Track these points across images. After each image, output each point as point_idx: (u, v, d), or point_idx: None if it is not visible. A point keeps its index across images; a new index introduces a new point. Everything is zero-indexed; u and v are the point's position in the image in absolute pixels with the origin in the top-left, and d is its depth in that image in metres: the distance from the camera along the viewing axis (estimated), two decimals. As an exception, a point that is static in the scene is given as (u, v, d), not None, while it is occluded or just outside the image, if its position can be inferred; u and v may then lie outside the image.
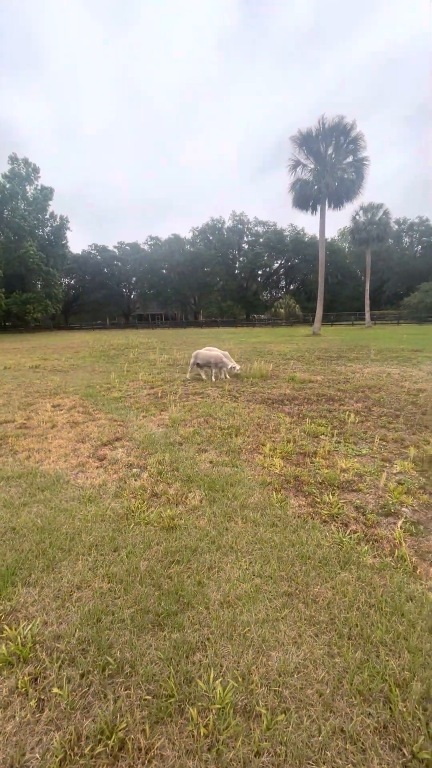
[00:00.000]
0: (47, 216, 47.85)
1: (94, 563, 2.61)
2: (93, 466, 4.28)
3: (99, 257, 64.22)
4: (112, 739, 1.54)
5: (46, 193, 46.62)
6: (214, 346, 10.75)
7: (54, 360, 14.71)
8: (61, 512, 3.27)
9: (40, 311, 46.04)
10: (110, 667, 1.84)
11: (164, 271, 64.89)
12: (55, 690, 1.73)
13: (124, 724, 1.60)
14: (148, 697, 1.71)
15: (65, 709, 1.67)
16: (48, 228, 48.35)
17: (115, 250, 66.29)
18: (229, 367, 9.34)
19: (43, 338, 32.36)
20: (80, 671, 1.83)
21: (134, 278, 66.90)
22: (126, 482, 3.84)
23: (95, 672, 1.83)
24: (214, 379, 9.39)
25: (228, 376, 9.52)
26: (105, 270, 64.50)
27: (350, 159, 27.98)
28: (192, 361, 9.65)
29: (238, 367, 9.56)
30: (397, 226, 63.86)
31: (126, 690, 1.75)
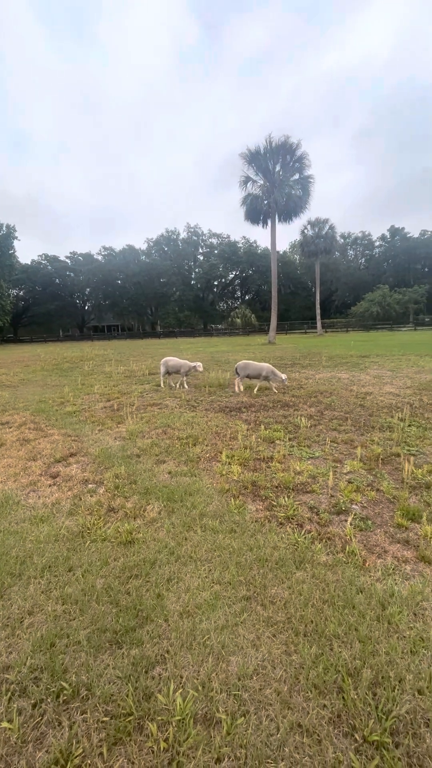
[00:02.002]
0: (-8, 224, 45.60)
1: (48, 586, 2.49)
2: (45, 485, 4.10)
3: (50, 267, 62.07)
4: (68, 768, 1.48)
5: (-10, 201, 44.44)
6: (174, 356, 10.70)
7: (2, 375, 13.92)
8: (10, 535, 3.09)
9: (-14, 324, 43.51)
10: (65, 692, 1.77)
11: (119, 281, 63.99)
12: (5, 724, 1.63)
13: (80, 750, 1.54)
14: (105, 718, 1.66)
15: (16, 743, 1.58)
16: (-7, 237, 46.04)
17: (67, 261, 64.48)
18: (282, 377, 8.76)
19: (-11, 352, 30.51)
20: (32, 701, 1.74)
21: (88, 289, 65.32)
22: (81, 499, 3.72)
23: (49, 700, 1.75)
24: (275, 390, 8.92)
25: (274, 390, 8.94)
26: (57, 281, 62.36)
27: (297, 176, 29.50)
28: (242, 374, 8.92)
29: (285, 377, 8.94)
30: (342, 240, 68.02)
31: (82, 714, 1.69)
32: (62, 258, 64.07)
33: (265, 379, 8.92)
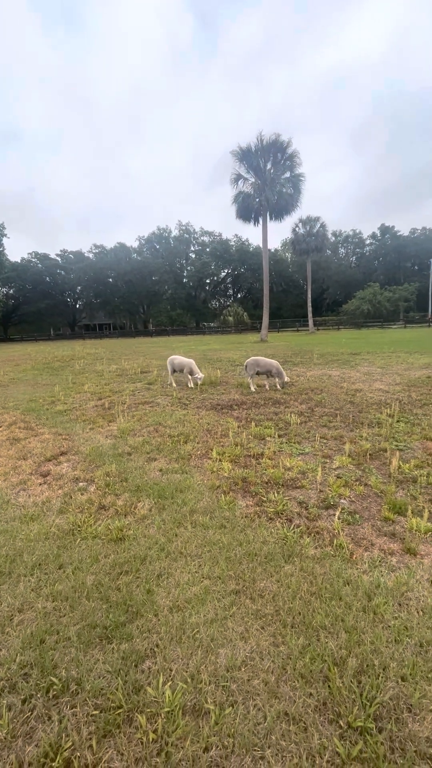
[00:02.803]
0: (-20, 222, 44.87)
1: (38, 583, 2.50)
2: (36, 483, 4.09)
3: (40, 265, 61.28)
4: (57, 761, 1.49)
5: (-21, 198, 43.75)
6: (179, 355, 10.64)
7: (-9, 374, 13.77)
8: (0, 534, 3.08)
9: (-25, 323, 42.86)
10: (55, 687, 1.78)
11: (111, 279, 63.53)
12: (-6, 720, 1.64)
13: (70, 743, 1.55)
14: (95, 712, 1.68)
15: (5, 738, 1.59)
16: (-19, 235, 45.34)
17: (58, 259, 63.77)
18: (285, 379, 8.79)
19: (-22, 351, 30.09)
20: (22, 697, 1.75)
21: (79, 287, 64.69)
22: (72, 497, 3.71)
23: (38, 695, 1.76)
24: (279, 387, 8.89)
25: (280, 386, 8.93)
26: (47, 279, 61.60)
27: (288, 174, 29.55)
28: (252, 371, 8.84)
29: (287, 379, 8.94)
30: (334, 238, 68.33)
31: (72, 708, 1.70)
32: (52, 256, 63.38)
33: (277, 376, 8.88)
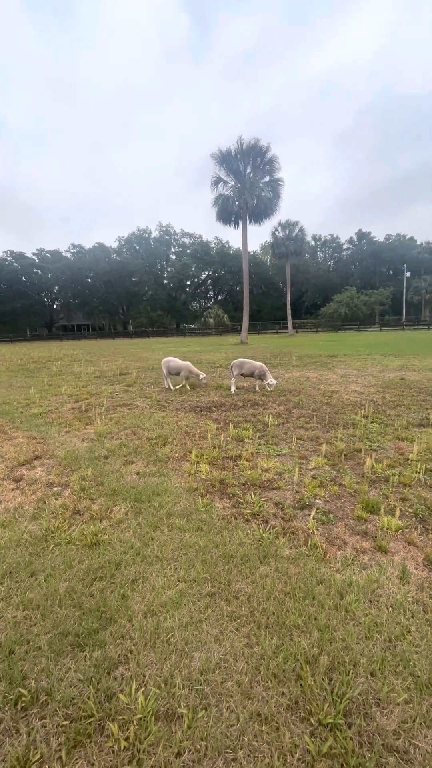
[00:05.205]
0: None
1: (8, 592, 2.43)
2: (8, 489, 3.97)
3: (16, 264, 59.62)
4: (25, 775, 1.45)
5: None
6: (173, 357, 10.47)
7: (-37, 376, 13.28)
8: (-32, 542, 2.97)
9: None
10: (23, 699, 1.73)
11: (89, 280, 62.50)
12: (-42, 736, 1.58)
13: (38, 756, 1.52)
14: (65, 722, 1.64)
15: (-30, 754, 1.53)
16: None
17: (34, 258, 62.26)
18: (268, 381, 8.77)
19: None
20: (-12, 710, 1.69)
21: (56, 287, 63.25)
22: (45, 502, 3.63)
23: (6, 708, 1.71)
24: (258, 389, 9.00)
25: (260, 389, 9.04)
26: (23, 278, 59.95)
27: (267, 179, 29.95)
28: (236, 372, 8.92)
29: (275, 382, 8.88)
30: (313, 242, 69.65)
31: (41, 720, 1.66)
32: (29, 255, 61.80)
33: (259, 378, 8.98)
